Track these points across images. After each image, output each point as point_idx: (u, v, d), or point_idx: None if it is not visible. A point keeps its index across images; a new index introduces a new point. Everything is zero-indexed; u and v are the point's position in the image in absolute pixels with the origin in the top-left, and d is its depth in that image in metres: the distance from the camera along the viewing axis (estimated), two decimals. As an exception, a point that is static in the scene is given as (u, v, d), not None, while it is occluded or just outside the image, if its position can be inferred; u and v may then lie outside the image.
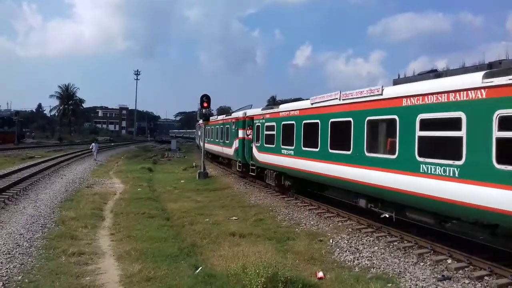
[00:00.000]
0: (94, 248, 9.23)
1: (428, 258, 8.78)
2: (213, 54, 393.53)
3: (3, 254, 8.29)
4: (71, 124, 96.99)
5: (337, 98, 11.78)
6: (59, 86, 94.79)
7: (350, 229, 11.31)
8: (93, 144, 36.45)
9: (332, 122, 12.13)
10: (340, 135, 11.69)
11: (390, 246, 9.71)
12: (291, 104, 16.18)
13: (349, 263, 8.65)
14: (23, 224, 10.82)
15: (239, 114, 22.45)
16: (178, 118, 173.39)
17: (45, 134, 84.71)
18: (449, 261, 8.53)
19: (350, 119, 11.08)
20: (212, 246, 9.47)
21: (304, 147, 13.87)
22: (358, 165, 10.58)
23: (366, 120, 10.35)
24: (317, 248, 9.54)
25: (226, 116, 26.60)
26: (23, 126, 69.58)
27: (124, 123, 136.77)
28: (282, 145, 15.59)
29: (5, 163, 27.36)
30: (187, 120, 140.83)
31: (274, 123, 16.60)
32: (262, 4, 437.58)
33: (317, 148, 12.82)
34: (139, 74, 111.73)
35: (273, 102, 71.04)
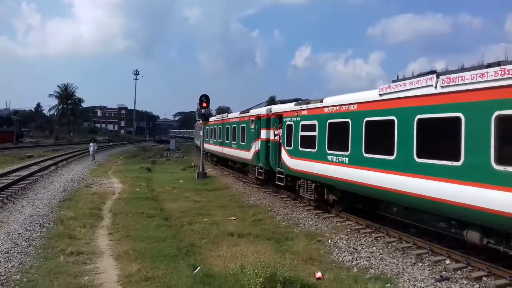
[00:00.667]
0: (93, 247, 9.22)
1: (427, 258, 8.80)
2: (212, 54, 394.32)
3: (1, 254, 8.29)
4: (70, 124, 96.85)
5: (431, 85, 8.57)
6: (58, 86, 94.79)
7: (348, 230, 11.32)
8: (91, 144, 35.59)
9: (420, 120, 8.77)
10: (438, 138, 8.68)
11: (389, 247, 9.72)
12: (342, 97, 12.21)
13: (347, 264, 8.66)
14: (21, 224, 10.81)
15: (262, 110, 18.76)
16: (177, 118, 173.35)
17: (43, 134, 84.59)
18: (448, 261, 8.54)
19: (459, 114, 7.77)
20: (210, 246, 9.47)
21: (367, 153, 10.39)
22: (474, 182, 7.33)
23: (494, 116, 7.03)
24: (316, 248, 9.55)
25: (241, 113, 22.86)
26: (22, 125, 69.48)
27: (123, 123, 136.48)
28: (329, 149, 12.15)
29: (4, 163, 27.35)
30: (186, 120, 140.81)
31: (315, 122, 13.11)
32: (262, 5, 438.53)
33: (391, 155, 9.42)
34: (138, 74, 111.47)
35: (272, 103, 70.79)
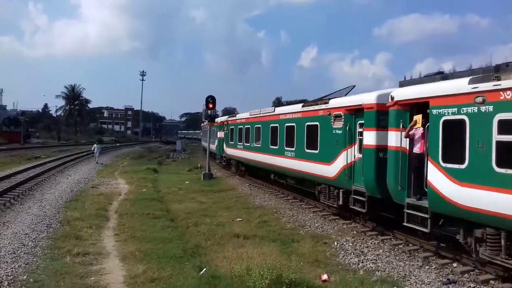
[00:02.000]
0: (99, 248, 9.26)
1: (434, 261, 8.73)
2: (218, 55, 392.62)
3: (8, 254, 8.35)
4: (77, 125, 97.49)
5: None
6: (65, 86, 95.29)
7: (355, 232, 11.26)
8: (95, 145, 33.31)
9: None
10: None
11: (395, 249, 9.66)
12: None
13: (353, 266, 8.61)
14: (28, 224, 10.89)
15: (366, 98, 11.21)
16: (183, 119, 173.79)
17: (50, 134, 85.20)
18: (455, 264, 8.47)
19: None
20: (216, 248, 9.48)
21: None
22: None
23: None
24: (322, 251, 9.52)
25: (304, 106, 15.34)
26: (29, 126, 70.05)
27: (129, 124, 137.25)
28: None
29: (11, 163, 27.57)
30: (192, 121, 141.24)
31: None
32: (268, 5, 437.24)
33: None
34: (144, 75, 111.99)
35: (279, 104, 70.72)
